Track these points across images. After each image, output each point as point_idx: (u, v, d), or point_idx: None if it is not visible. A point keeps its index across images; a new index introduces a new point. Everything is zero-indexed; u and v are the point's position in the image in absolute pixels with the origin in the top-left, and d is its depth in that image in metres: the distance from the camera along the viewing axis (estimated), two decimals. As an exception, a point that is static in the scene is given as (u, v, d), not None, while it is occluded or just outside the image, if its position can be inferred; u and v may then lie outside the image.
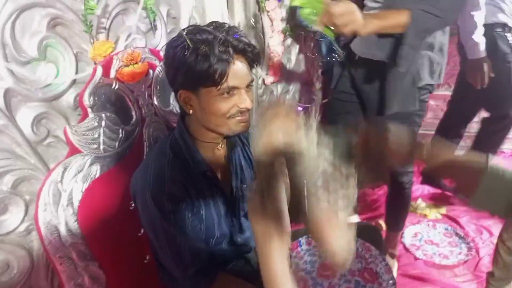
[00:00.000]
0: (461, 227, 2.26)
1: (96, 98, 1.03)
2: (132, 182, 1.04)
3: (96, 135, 1.04)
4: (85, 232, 1.02)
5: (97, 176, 1.05)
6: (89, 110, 1.02)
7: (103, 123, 1.05)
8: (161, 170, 0.99)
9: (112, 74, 1.08)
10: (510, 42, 2.08)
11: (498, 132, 2.37)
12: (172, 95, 1.25)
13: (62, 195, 0.98)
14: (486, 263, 1.94)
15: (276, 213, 0.66)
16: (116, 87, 1.09)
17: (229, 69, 0.91)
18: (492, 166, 0.73)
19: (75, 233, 1.00)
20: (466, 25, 2.00)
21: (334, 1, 1.16)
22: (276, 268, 0.67)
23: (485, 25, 1.99)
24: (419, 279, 1.90)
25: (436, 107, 3.07)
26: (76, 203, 1.01)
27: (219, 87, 0.92)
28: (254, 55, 0.97)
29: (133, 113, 1.15)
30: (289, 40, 2.06)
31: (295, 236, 1.07)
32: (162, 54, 1.20)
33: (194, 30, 0.93)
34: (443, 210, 2.41)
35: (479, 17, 1.96)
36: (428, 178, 2.69)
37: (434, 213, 2.38)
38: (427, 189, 2.62)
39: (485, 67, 2.03)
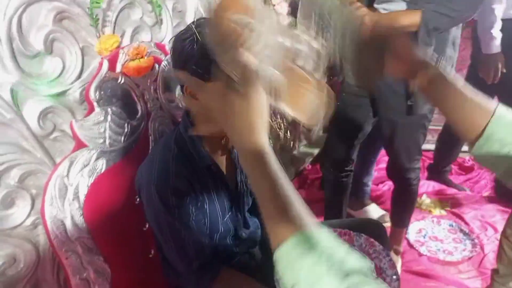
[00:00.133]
0: (466, 223, 2.25)
1: (102, 92, 1.03)
2: (137, 176, 1.04)
3: (102, 130, 1.04)
4: (90, 226, 1.03)
5: (103, 170, 1.05)
6: (95, 104, 1.02)
7: (109, 118, 1.05)
8: (166, 165, 0.99)
9: (118, 68, 1.07)
10: None
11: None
12: (178, 89, 1.25)
13: (68, 189, 0.98)
14: (490, 260, 1.93)
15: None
16: (122, 81, 1.08)
17: None
18: (501, 113, 0.67)
19: (80, 227, 1.01)
20: (486, 19, 1.95)
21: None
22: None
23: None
24: (423, 275, 1.89)
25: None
26: (82, 197, 1.01)
27: None
28: None
29: (139, 108, 1.15)
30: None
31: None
32: (167, 48, 1.20)
33: (203, 23, 0.92)
34: (448, 206, 2.41)
35: (500, 10, 1.92)
36: (434, 174, 2.68)
37: (438, 209, 2.38)
38: (432, 185, 2.61)
39: (499, 62, 1.99)
